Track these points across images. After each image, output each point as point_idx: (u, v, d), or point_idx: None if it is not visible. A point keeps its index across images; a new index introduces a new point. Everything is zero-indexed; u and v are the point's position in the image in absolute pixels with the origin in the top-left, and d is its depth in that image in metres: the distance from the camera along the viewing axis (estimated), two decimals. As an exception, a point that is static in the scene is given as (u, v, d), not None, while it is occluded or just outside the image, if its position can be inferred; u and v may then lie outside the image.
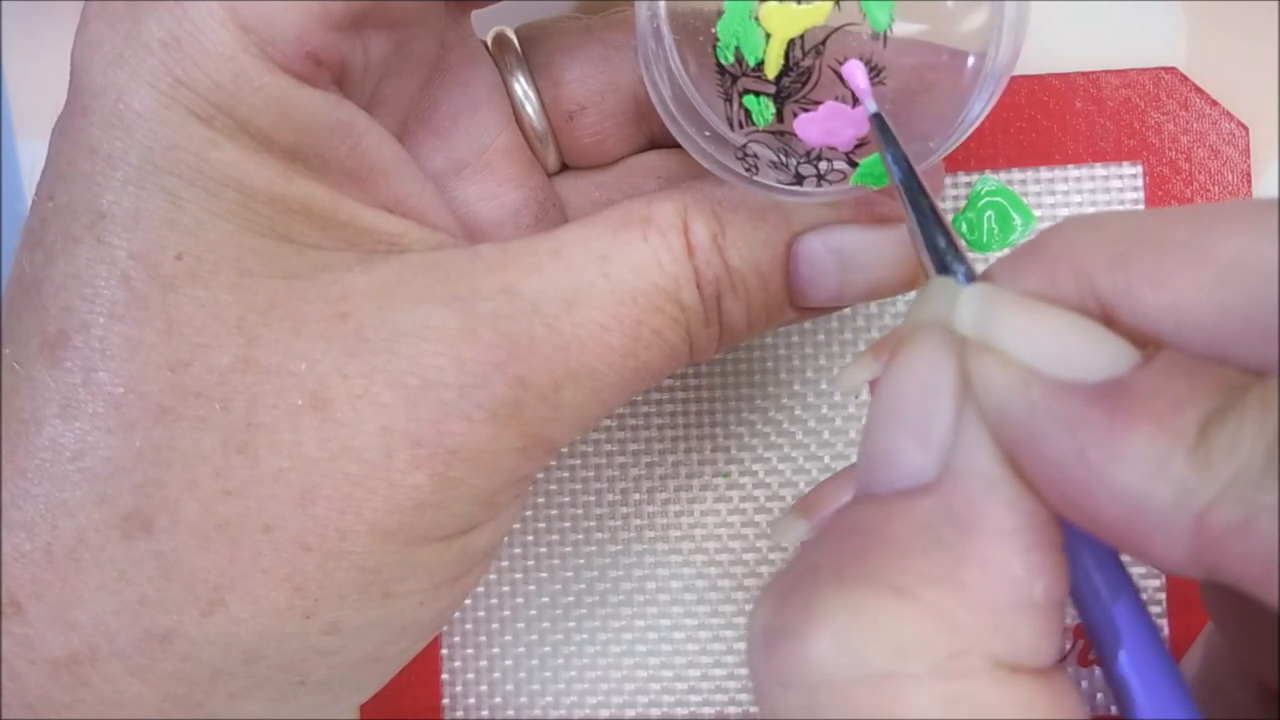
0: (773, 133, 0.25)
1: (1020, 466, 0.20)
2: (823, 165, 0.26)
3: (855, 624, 0.20)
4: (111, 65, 0.25)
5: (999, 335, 0.21)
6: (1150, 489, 0.18)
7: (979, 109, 0.26)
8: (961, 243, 0.23)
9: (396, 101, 0.29)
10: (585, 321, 0.26)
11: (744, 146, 0.26)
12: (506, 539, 0.39)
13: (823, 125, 0.25)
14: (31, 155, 0.41)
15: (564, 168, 0.33)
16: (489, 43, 0.31)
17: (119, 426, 0.24)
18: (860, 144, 0.25)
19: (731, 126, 0.26)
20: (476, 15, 0.31)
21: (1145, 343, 0.20)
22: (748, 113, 0.25)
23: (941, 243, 0.23)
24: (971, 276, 0.23)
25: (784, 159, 0.26)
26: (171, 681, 0.25)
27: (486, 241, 0.28)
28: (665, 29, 0.25)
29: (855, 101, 0.25)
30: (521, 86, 0.31)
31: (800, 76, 0.25)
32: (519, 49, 0.31)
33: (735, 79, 0.25)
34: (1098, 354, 0.20)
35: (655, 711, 0.38)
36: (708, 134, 0.26)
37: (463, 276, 0.26)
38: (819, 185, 0.26)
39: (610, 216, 0.27)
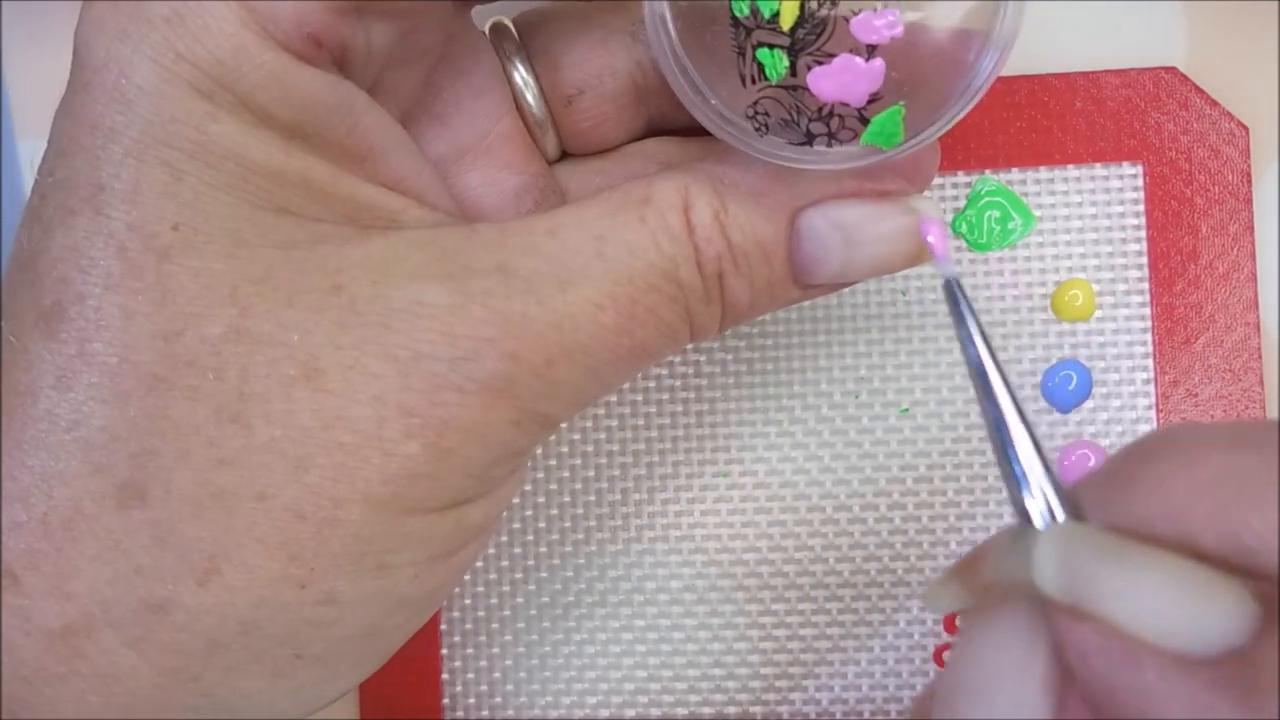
0: (785, 88, 0.25)
1: None
2: (834, 123, 0.26)
3: None
4: (115, 41, 0.25)
5: (1094, 596, 0.19)
6: None
7: (986, 71, 0.25)
8: (1042, 449, 0.22)
9: (399, 90, 0.29)
10: (579, 300, 0.26)
11: (755, 103, 0.26)
12: (506, 538, 0.39)
13: (836, 79, 0.25)
14: (31, 155, 0.41)
15: (564, 156, 0.33)
16: (487, 31, 0.31)
17: (113, 396, 0.24)
18: (872, 99, 0.25)
19: (744, 82, 0.26)
20: (478, 9, 0.31)
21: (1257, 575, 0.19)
22: (760, 67, 0.25)
23: (1031, 463, 0.21)
24: (1060, 492, 0.21)
25: (795, 116, 0.26)
26: (167, 654, 0.25)
27: None
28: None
29: (869, 54, 0.25)
30: (521, 74, 0.31)
31: (815, 28, 0.25)
32: (517, 36, 0.31)
33: (749, 32, 0.25)
34: (1212, 615, 0.18)
35: (655, 711, 0.38)
36: (714, 101, 0.26)
37: (458, 254, 0.26)
38: (830, 144, 0.26)
39: (609, 198, 0.27)
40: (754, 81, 0.25)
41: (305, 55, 0.25)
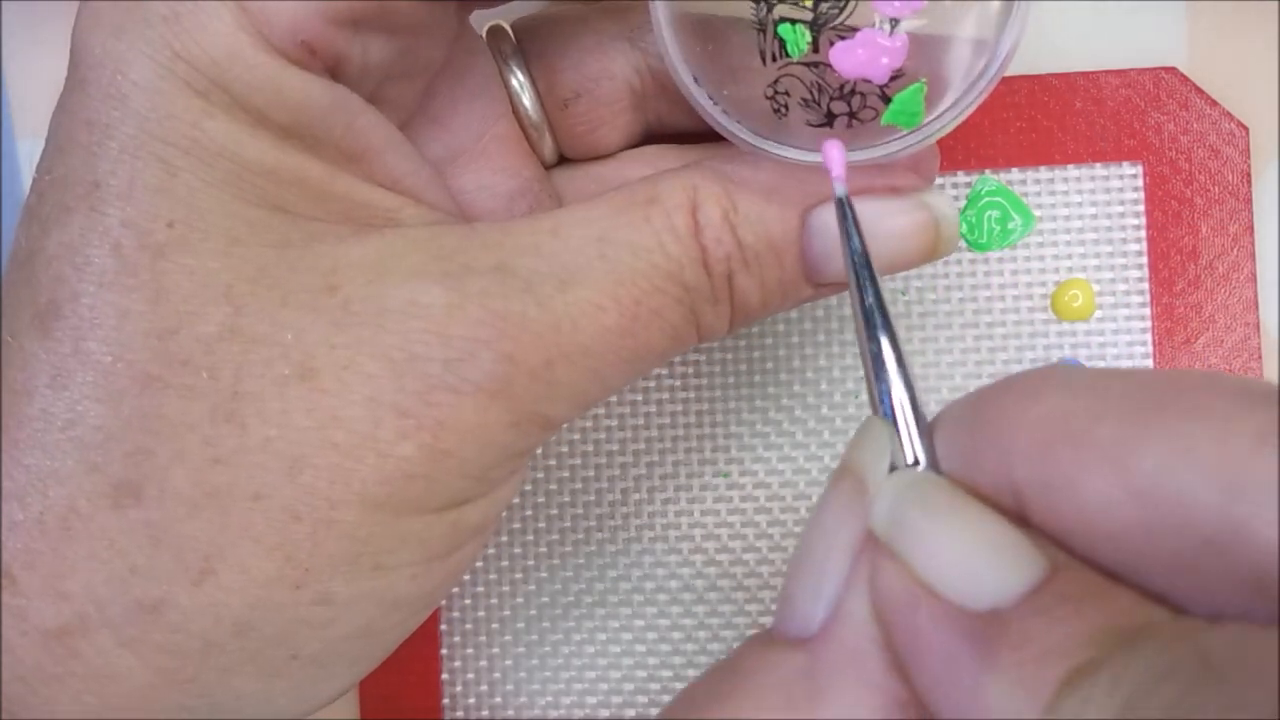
0: (807, 65, 0.25)
1: (904, 669, 0.21)
2: (855, 101, 0.26)
3: None
4: (111, 37, 0.25)
5: (903, 543, 0.21)
6: None
7: (1008, 43, 0.25)
8: (904, 358, 0.23)
9: (398, 103, 0.29)
10: (579, 301, 0.26)
11: (775, 81, 0.26)
12: (506, 538, 0.39)
13: (859, 54, 0.25)
14: (31, 154, 0.41)
15: (561, 161, 0.33)
16: (485, 35, 0.31)
17: (108, 395, 0.24)
18: (895, 76, 0.25)
19: (764, 60, 0.25)
20: (476, 13, 0.31)
21: (1059, 545, 0.20)
22: (782, 43, 0.25)
23: (889, 358, 0.23)
24: (916, 406, 0.23)
25: (816, 95, 0.26)
26: (162, 654, 0.25)
27: None
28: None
29: (892, 27, 0.25)
30: (517, 77, 0.31)
31: (838, 2, 0.25)
32: (514, 40, 0.31)
33: (770, 7, 0.25)
34: (992, 576, 0.20)
35: (654, 711, 0.38)
36: (726, 92, 0.26)
37: (456, 253, 0.26)
38: (850, 124, 0.26)
39: (614, 197, 0.27)
40: (775, 59, 0.25)
41: (299, 61, 0.25)
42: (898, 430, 0.23)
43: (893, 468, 0.23)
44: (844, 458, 0.23)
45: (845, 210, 0.25)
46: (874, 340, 0.23)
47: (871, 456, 0.22)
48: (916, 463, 0.23)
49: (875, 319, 0.24)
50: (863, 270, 0.24)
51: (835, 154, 0.25)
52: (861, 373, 0.38)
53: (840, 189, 0.25)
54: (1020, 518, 0.21)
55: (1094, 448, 0.19)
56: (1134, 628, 0.18)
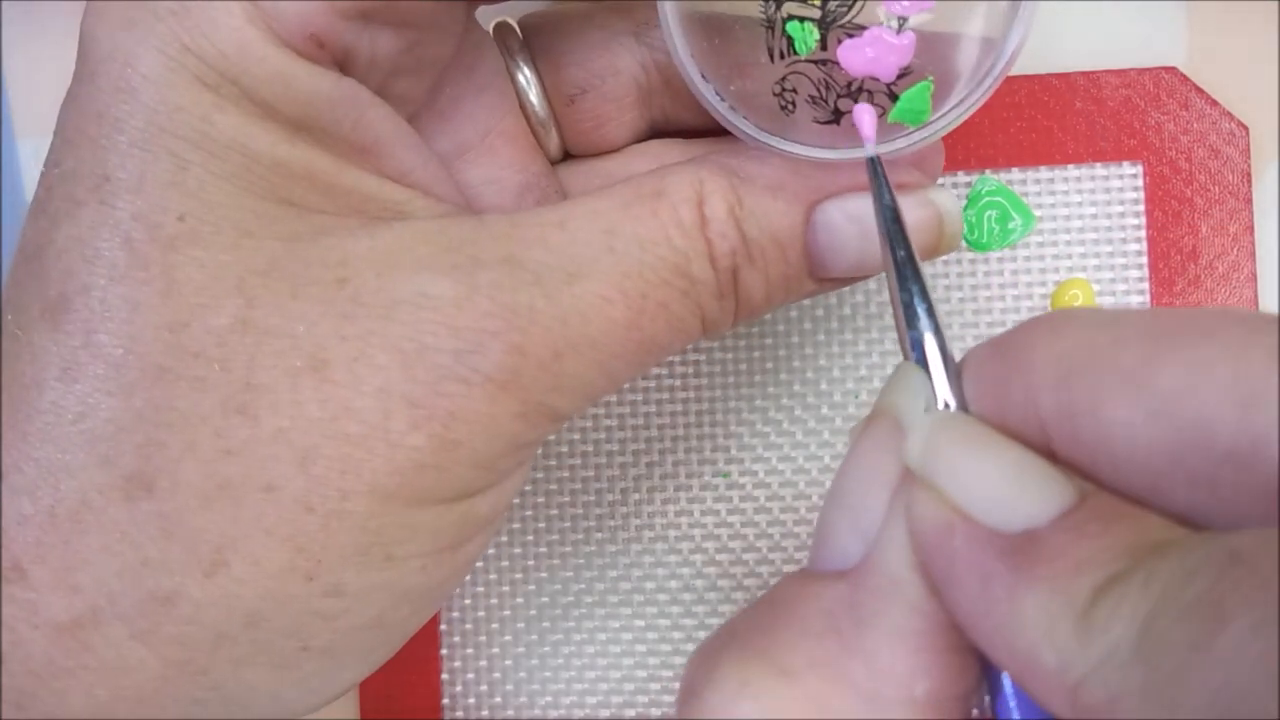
0: (814, 62, 0.25)
1: (940, 595, 0.21)
2: (862, 98, 0.26)
3: (740, 695, 0.22)
4: (120, 31, 0.25)
5: (938, 473, 0.21)
6: (1038, 653, 0.19)
7: (1014, 42, 0.26)
8: (933, 308, 0.24)
9: (406, 97, 0.29)
10: (586, 294, 0.26)
11: (783, 79, 0.26)
12: (506, 539, 0.39)
13: (866, 52, 0.25)
14: (31, 154, 0.41)
15: (567, 157, 0.33)
16: (492, 31, 0.32)
17: (119, 388, 0.24)
18: (902, 74, 0.25)
19: (772, 57, 0.26)
20: (483, 9, 0.31)
21: (1085, 475, 0.21)
22: (790, 41, 0.25)
23: (919, 308, 0.24)
24: (945, 352, 0.23)
25: (823, 92, 0.26)
26: (174, 646, 0.25)
27: None
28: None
29: (900, 26, 0.25)
30: (524, 73, 0.31)
31: (846, 0, 0.25)
32: (520, 36, 0.31)
33: (779, 4, 0.25)
34: (1024, 500, 0.20)
35: (655, 711, 0.38)
36: (733, 88, 0.26)
37: (465, 245, 0.26)
38: None
39: (622, 190, 0.27)
40: (783, 56, 0.25)
41: (308, 54, 0.25)
42: (929, 375, 0.23)
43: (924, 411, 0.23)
44: (879, 402, 0.23)
45: (876, 168, 0.25)
46: (905, 290, 0.24)
47: (906, 398, 0.23)
48: (947, 406, 0.23)
49: (906, 270, 0.24)
50: (892, 225, 0.24)
51: (866, 116, 0.25)
52: (861, 373, 0.38)
53: (871, 149, 0.25)
54: (1048, 453, 0.21)
55: (1114, 373, 0.20)
56: (1163, 541, 0.19)
